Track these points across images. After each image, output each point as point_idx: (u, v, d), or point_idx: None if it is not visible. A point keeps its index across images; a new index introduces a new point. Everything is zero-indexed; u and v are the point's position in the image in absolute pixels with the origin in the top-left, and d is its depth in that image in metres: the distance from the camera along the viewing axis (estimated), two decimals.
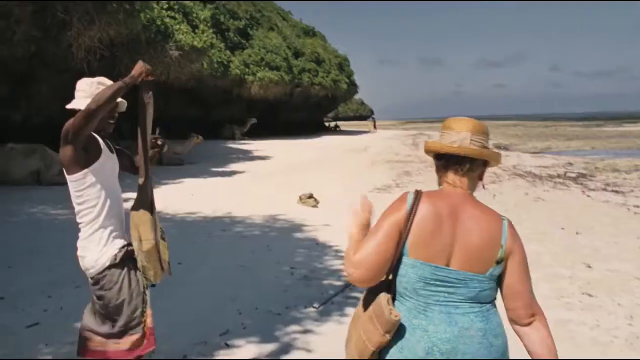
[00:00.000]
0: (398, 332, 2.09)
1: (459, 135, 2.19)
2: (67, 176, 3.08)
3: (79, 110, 2.96)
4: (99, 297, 3.15)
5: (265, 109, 45.12)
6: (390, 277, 2.19)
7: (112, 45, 17.88)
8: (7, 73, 17.52)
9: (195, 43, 19.97)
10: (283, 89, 41.83)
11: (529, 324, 2.14)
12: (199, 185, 15.05)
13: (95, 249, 3.09)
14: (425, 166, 21.43)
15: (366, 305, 2.22)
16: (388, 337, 2.08)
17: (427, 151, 2.32)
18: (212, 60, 32.02)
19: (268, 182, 15.81)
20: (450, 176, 2.23)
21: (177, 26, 19.55)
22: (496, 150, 2.31)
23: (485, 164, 2.28)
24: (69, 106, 3.12)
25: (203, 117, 37.44)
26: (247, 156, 25.05)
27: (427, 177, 17.65)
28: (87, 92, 3.10)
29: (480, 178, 2.32)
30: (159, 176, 16.15)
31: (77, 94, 3.16)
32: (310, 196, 12.09)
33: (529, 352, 2.15)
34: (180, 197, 12.70)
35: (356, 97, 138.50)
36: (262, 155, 25.47)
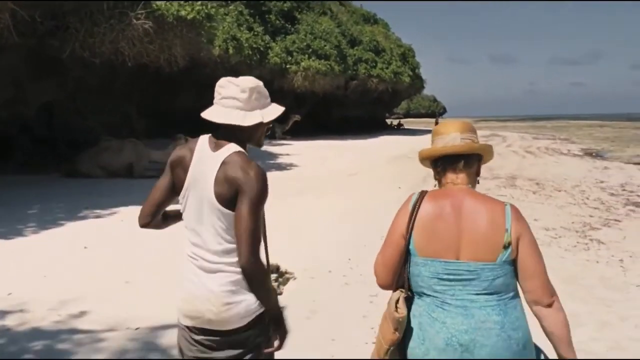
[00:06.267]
0: (420, 325, 2.17)
1: (449, 137, 2.31)
2: (220, 207, 2.37)
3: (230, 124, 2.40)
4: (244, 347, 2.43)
5: (318, 104, 39.71)
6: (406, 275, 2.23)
7: (58, 14, 12.93)
8: None
9: (182, 13, 14.71)
10: (334, 81, 36.12)
11: (550, 304, 2.16)
12: (134, 220, 9.63)
13: (252, 294, 2.42)
14: (497, 185, 15.35)
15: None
16: (398, 334, 2.17)
17: (422, 160, 2.45)
18: (241, 45, 26.87)
19: None
20: (450, 176, 2.32)
21: None
22: (486, 143, 2.39)
23: (480, 159, 2.37)
24: (220, 120, 2.42)
25: None
26: (265, 164, 19.56)
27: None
28: (244, 102, 2.42)
29: (478, 174, 2.38)
30: (82, 199, 10.96)
31: (226, 101, 2.44)
32: (276, 269, 6.44)
33: (547, 333, 2.18)
34: (66, 249, 7.41)
35: (428, 93, 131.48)
36: (287, 164, 19.97)
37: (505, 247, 2.12)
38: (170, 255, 7.19)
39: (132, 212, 10.29)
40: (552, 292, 2.17)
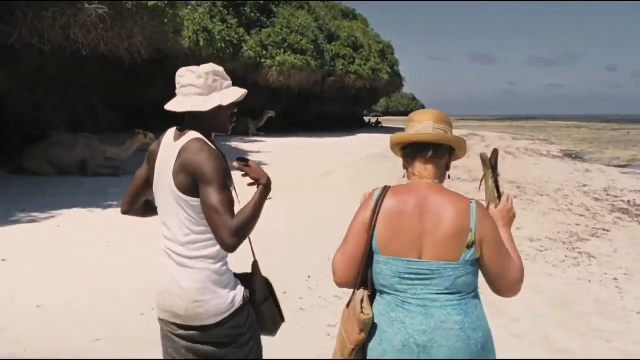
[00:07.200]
0: (378, 325, 2.11)
1: (421, 125, 2.23)
2: (184, 196, 2.31)
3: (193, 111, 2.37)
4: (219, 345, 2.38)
5: (294, 100, 38.64)
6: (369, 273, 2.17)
7: None
8: None
9: None
10: (310, 76, 35.00)
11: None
12: (72, 227, 8.56)
13: (224, 291, 2.36)
14: (476, 188, 14.51)
15: (349, 303, 2.20)
16: (363, 335, 2.10)
17: (393, 146, 2.33)
18: (213, 37, 25.75)
19: None
20: (417, 166, 2.23)
21: None
22: (460, 136, 2.26)
23: (451, 153, 2.28)
24: (179, 109, 2.38)
25: None
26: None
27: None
28: (201, 88, 2.37)
29: (447, 168, 2.29)
30: (22, 200, 9.86)
31: (185, 89, 2.39)
32: None
33: None
34: None
35: (407, 91, 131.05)
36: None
37: (469, 246, 2.06)
38: (100, 271, 6.19)
39: (73, 217, 9.26)
40: (520, 288, 2.17)
